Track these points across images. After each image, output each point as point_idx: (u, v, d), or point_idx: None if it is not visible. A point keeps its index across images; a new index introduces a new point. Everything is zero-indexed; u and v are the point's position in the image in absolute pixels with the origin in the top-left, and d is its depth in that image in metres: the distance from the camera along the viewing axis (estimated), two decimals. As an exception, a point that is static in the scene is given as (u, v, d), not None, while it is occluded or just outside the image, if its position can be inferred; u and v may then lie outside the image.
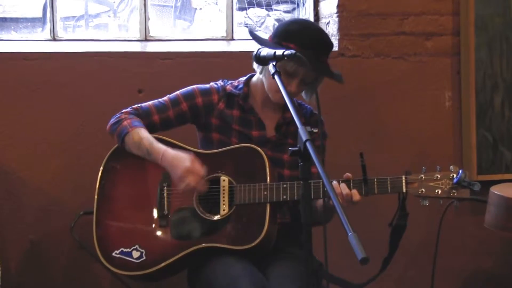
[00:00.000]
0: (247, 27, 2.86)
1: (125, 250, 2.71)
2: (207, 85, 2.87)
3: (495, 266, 3.82)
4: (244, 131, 2.80)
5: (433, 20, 3.67)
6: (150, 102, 2.85)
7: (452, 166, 2.58)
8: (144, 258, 2.69)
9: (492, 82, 3.68)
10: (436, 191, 2.57)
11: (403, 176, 2.59)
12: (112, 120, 2.80)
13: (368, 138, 3.60)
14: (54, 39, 3.56)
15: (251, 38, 2.83)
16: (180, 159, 2.63)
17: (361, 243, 1.74)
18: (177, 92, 2.86)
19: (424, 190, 2.57)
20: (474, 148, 3.66)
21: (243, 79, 2.87)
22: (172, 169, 2.65)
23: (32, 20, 3.69)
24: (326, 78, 2.82)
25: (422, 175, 2.58)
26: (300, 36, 2.70)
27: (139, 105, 2.85)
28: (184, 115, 2.84)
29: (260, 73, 2.78)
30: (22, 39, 3.58)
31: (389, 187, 2.59)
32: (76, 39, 3.62)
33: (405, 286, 3.74)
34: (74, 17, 3.77)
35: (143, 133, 2.73)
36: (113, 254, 2.71)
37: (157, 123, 2.82)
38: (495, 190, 3.05)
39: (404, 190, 2.59)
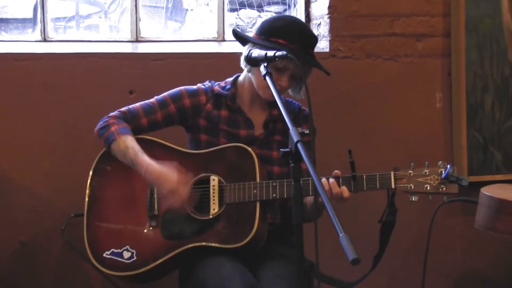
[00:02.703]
0: (233, 28, 2.87)
1: (116, 250, 2.71)
2: (195, 87, 2.87)
3: (485, 267, 3.83)
4: (232, 131, 2.81)
5: (424, 21, 3.68)
6: (137, 104, 2.85)
7: (440, 162, 2.60)
8: (135, 258, 2.69)
9: (482, 83, 3.70)
10: (425, 186, 2.59)
11: (392, 172, 2.61)
12: (100, 124, 2.79)
13: (359, 139, 3.61)
14: (44, 40, 3.55)
15: (234, 38, 2.87)
16: (164, 179, 2.63)
17: (352, 243, 1.74)
18: (165, 93, 2.87)
19: (412, 186, 2.59)
20: (464, 149, 3.67)
21: (230, 79, 2.89)
22: (157, 185, 2.68)
23: (23, 20, 3.68)
24: (312, 77, 2.83)
25: (410, 171, 2.60)
26: (287, 31, 2.73)
27: (126, 107, 2.84)
28: (172, 117, 2.84)
29: (249, 71, 2.80)
30: (13, 40, 3.57)
31: (378, 183, 2.60)
32: (67, 40, 3.61)
33: (396, 286, 3.74)
34: (65, 18, 3.77)
35: (130, 142, 2.72)
36: (104, 255, 2.71)
37: (144, 126, 2.83)
38: (486, 191, 3.06)
39: (393, 186, 2.60)
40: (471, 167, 3.69)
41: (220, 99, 2.84)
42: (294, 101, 2.93)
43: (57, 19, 3.72)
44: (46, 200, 3.36)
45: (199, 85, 2.88)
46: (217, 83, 2.89)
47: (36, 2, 3.56)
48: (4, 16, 3.68)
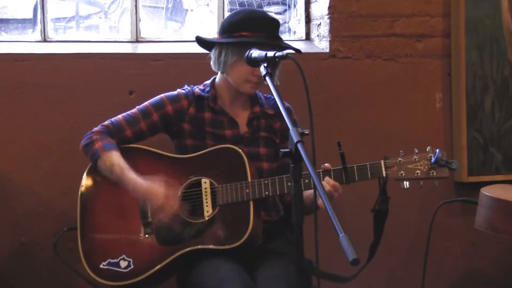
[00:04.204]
0: (196, 35, 2.90)
1: (112, 260, 2.71)
2: (175, 92, 2.89)
3: (486, 267, 3.83)
4: (217, 132, 2.82)
5: (423, 21, 3.68)
6: (120, 116, 2.85)
7: (429, 147, 2.63)
8: (132, 267, 2.69)
9: (482, 83, 3.70)
10: (416, 172, 2.61)
11: (382, 160, 2.64)
12: (84, 141, 2.80)
13: (358, 139, 3.61)
14: (44, 40, 3.55)
15: (198, 45, 2.90)
16: (152, 194, 2.67)
17: (352, 244, 1.75)
18: (146, 103, 2.87)
19: (403, 172, 2.61)
20: (464, 150, 3.67)
21: (208, 82, 2.91)
22: (145, 202, 2.70)
23: (23, 21, 3.68)
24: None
25: (400, 158, 2.63)
26: (248, 22, 2.76)
27: (109, 121, 2.84)
28: (156, 125, 2.85)
29: (222, 72, 2.82)
30: (13, 40, 3.57)
31: (369, 173, 2.63)
32: (67, 40, 3.61)
33: (395, 286, 3.74)
34: (65, 18, 3.77)
35: (115, 158, 2.73)
36: (101, 266, 2.71)
37: (129, 137, 2.83)
38: (486, 191, 3.06)
39: (384, 174, 2.62)
40: (471, 167, 3.69)
41: (202, 101, 2.85)
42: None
43: (57, 19, 3.72)
44: (46, 201, 3.36)
45: (178, 90, 2.90)
46: (195, 86, 2.91)
47: (36, 2, 3.56)
48: (4, 16, 3.68)
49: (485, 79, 3.70)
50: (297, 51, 2.83)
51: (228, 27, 2.79)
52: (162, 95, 2.87)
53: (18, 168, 3.34)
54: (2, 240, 3.34)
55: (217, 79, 2.89)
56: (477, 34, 3.68)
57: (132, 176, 2.69)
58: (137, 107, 2.87)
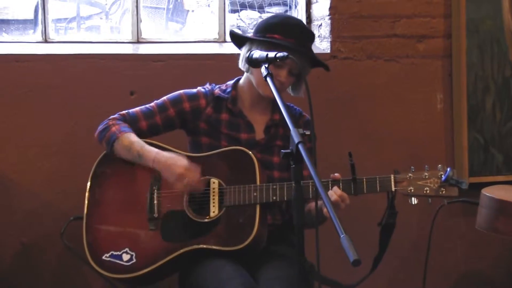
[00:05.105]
0: (230, 29, 2.89)
1: (115, 253, 2.71)
2: (194, 90, 2.87)
3: (486, 268, 3.83)
4: (233, 134, 2.81)
5: (425, 22, 3.68)
6: (137, 108, 2.86)
7: (440, 165, 2.61)
8: (134, 260, 2.69)
9: (483, 84, 3.70)
10: (425, 189, 2.59)
11: (392, 175, 2.62)
12: (100, 127, 2.80)
13: (360, 140, 3.61)
14: (45, 41, 3.55)
15: (231, 40, 2.87)
16: (175, 159, 2.67)
17: (353, 245, 1.75)
18: (164, 97, 2.87)
19: (412, 189, 2.60)
20: (465, 150, 3.67)
21: (230, 82, 2.88)
22: (167, 169, 2.67)
23: (24, 22, 3.69)
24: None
25: (410, 174, 2.61)
26: (282, 27, 2.75)
27: (126, 111, 2.85)
28: (172, 121, 2.84)
29: (247, 71, 2.80)
30: (14, 41, 3.57)
31: (378, 186, 2.61)
32: (68, 41, 3.61)
33: (396, 287, 3.74)
34: (66, 19, 3.77)
35: (133, 137, 2.74)
36: (103, 257, 2.71)
37: (144, 129, 2.82)
38: (486, 192, 3.06)
39: (393, 189, 2.61)
40: (472, 168, 3.69)
41: (221, 102, 2.84)
42: (295, 107, 2.93)
43: (58, 20, 3.73)
44: (47, 201, 3.36)
45: (199, 88, 2.88)
46: (217, 86, 2.89)
47: (37, 3, 3.56)
48: (5, 17, 3.68)
49: (486, 79, 3.70)
50: (325, 66, 2.83)
51: (263, 28, 2.78)
52: (181, 91, 2.86)
53: (19, 169, 3.34)
54: (3, 240, 3.34)
55: (241, 81, 2.87)
56: (478, 35, 3.68)
57: (153, 149, 2.71)
58: (155, 101, 2.86)
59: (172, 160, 2.67)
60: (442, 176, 2.57)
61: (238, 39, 2.85)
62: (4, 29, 3.63)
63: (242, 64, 2.81)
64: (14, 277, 3.36)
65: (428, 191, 2.59)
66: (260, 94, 2.78)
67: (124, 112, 2.84)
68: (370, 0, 3.62)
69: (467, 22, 3.65)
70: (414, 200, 2.60)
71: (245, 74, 2.84)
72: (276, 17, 2.88)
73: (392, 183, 2.61)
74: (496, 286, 3.84)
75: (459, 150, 3.68)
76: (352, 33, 3.61)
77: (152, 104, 2.86)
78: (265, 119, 2.85)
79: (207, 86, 2.89)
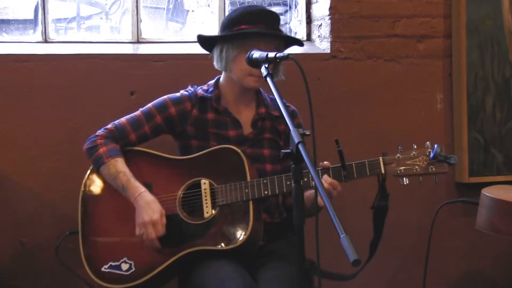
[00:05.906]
0: (197, 34, 2.90)
1: (113, 264, 2.71)
2: (178, 94, 2.87)
3: (486, 268, 3.83)
4: (221, 132, 2.82)
5: (425, 22, 3.68)
6: (123, 119, 2.84)
7: (427, 143, 2.62)
8: (134, 269, 2.69)
9: (483, 84, 3.70)
10: (414, 168, 2.60)
11: (380, 157, 2.63)
12: (87, 144, 2.80)
13: (360, 140, 3.61)
14: (45, 41, 3.55)
15: (199, 44, 2.89)
16: (152, 208, 2.66)
17: (353, 244, 1.75)
18: (149, 105, 2.86)
19: (402, 169, 2.61)
20: (465, 150, 3.67)
21: (211, 82, 2.90)
22: (140, 211, 2.67)
23: (24, 22, 3.68)
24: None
25: (399, 155, 2.62)
26: (247, 16, 2.76)
27: (113, 124, 2.83)
28: (160, 128, 2.84)
29: (225, 70, 2.81)
30: (14, 41, 3.57)
31: (367, 170, 2.62)
32: (68, 41, 3.61)
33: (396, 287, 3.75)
34: (66, 19, 3.77)
35: (120, 165, 2.74)
36: (103, 269, 2.71)
37: (134, 141, 2.83)
38: (487, 192, 3.06)
39: (383, 171, 2.61)
40: (472, 168, 3.69)
41: (205, 102, 2.84)
42: (289, 104, 2.93)
43: (58, 20, 3.72)
44: (47, 202, 3.36)
45: (182, 91, 2.89)
46: (199, 87, 2.90)
47: (37, 3, 3.56)
48: (5, 17, 3.68)
49: (486, 79, 3.70)
50: (299, 42, 2.84)
51: (227, 24, 2.79)
52: (165, 96, 2.87)
53: (19, 169, 3.34)
54: (3, 241, 3.34)
55: (221, 79, 2.88)
56: (478, 35, 3.68)
57: (138, 185, 2.70)
58: (141, 109, 2.86)
59: (149, 207, 2.65)
60: (430, 153, 2.59)
61: (208, 41, 2.85)
62: (4, 29, 3.62)
63: (218, 64, 2.82)
64: (13, 277, 3.36)
65: (418, 170, 2.60)
66: (242, 89, 2.80)
67: (111, 126, 2.82)
68: (370, 0, 3.62)
69: (467, 22, 3.65)
70: (405, 180, 2.60)
71: (223, 73, 2.85)
72: (237, 10, 2.87)
73: (381, 165, 2.62)
74: (496, 286, 3.83)
75: (459, 150, 3.68)
76: (352, 33, 3.61)
77: (137, 113, 2.85)
78: (251, 113, 2.86)
79: (189, 89, 2.90)
